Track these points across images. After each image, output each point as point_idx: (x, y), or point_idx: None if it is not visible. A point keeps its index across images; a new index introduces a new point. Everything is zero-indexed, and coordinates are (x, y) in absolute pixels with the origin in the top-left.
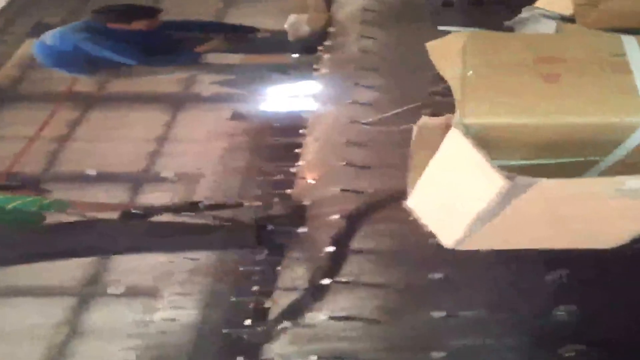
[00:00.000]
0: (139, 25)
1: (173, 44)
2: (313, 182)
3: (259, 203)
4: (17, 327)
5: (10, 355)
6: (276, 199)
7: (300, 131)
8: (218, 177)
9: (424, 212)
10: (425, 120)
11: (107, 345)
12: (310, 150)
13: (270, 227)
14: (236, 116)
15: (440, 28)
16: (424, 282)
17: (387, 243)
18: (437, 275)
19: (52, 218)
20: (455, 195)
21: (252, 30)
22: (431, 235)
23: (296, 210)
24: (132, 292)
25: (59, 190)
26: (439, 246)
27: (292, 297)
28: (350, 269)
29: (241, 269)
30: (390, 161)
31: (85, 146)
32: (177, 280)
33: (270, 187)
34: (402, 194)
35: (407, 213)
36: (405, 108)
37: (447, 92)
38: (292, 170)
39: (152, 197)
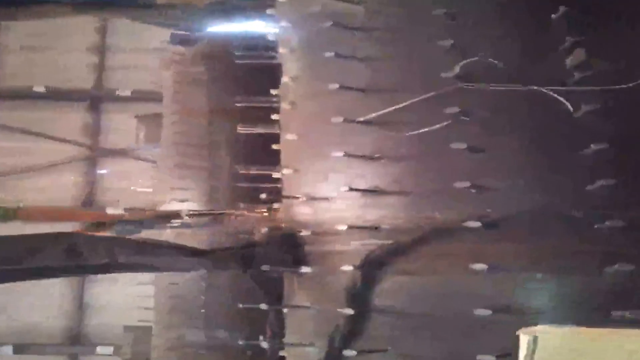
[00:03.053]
0: None
1: None
2: (304, 202)
3: (241, 214)
4: None
5: None
6: (264, 230)
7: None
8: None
9: None
10: (543, 330)
11: None
12: (293, 156)
13: (265, 267)
14: (177, 39)
15: None
16: None
17: (416, 304)
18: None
19: None
20: None
21: None
22: (476, 301)
23: (291, 244)
24: None
25: (6, 111)
26: (490, 319)
27: (309, 354)
28: (375, 332)
29: (241, 306)
30: (407, 183)
31: (20, 58)
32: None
33: (250, 194)
34: (430, 233)
35: (437, 262)
36: (418, 99)
37: (473, 75)
38: (275, 175)
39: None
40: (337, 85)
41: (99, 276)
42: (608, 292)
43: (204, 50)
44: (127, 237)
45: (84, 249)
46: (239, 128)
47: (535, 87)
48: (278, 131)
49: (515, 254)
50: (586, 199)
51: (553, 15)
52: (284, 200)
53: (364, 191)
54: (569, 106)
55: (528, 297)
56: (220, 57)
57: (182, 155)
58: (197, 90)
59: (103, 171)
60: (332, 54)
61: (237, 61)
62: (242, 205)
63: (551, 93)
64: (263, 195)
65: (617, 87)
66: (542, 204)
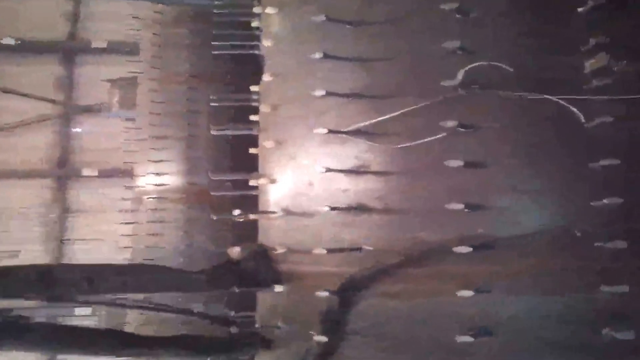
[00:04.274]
0: None
1: None
2: (281, 217)
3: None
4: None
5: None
6: (238, 247)
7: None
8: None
9: None
10: None
11: None
12: (270, 165)
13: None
14: None
15: None
16: None
17: (395, 327)
18: None
19: None
20: None
21: None
22: (460, 326)
23: (265, 262)
24: None
25: None
26: (470, 347)
27: None
28: (350, 354)
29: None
30: (394, 200)
31: None
32: None
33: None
34: (415, 256)
35: (421, 286)
36: (411, 108)
37: (478, 81)
38: (251, 183)
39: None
40: (323, 92)
41: (78, 224)
42: (599, 312)
43: (187, 10)
44: (110, 264)
45: (59, 278)
46: (212, 130)
47: (544, 96)
48: (257, 133)
49: (506, 276)
50: (590, 216)
51: (580, 9)
52: (260, 214)
53: (347, 209)
54: (581, 117)
55: (514, 319)
56: (204, 19)
57: (159, 126)
58: (177, 55)
59: (78, 129)
60: (321, 54)
61: (214, 52)
62: (214, 217)
63: (562, 102)
64: (237, 211)
65: (635, 97)
66: (541, 222)
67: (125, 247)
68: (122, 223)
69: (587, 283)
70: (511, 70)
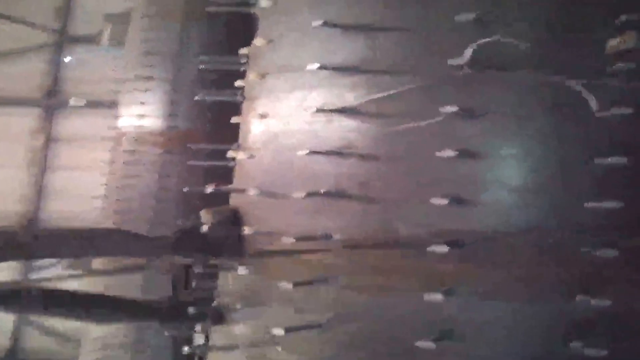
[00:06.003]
0: None
1: None
2: (254, 196)
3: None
4: None
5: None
6: (206, 211)
7: None
8: None
9: None
10: None
11: None
12: (251, 139)
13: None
14: None
15: None
16: None
17: (355, 323)
18: None
19: None
20: None
21: None
22: (420, 332)
23: (235, 231)
24: None
25: None
26: (430, 352)
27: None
28: (304, 347)
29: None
30: (376, 188)
31: None
32: None
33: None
34: (388, 249)
35: (388, 281)
36: (409, 87)
37: (486, 59)
38: (229, 155)
39: None
40: (317, 65)
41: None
42: (572, 323)
43: None
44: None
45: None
46: (197, 97)
47: (557, 79)
48: (241, 99)
49: (480, 279)
50: (582, 219)
51: None
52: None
53: (324, 194)
54: (594, 104)
55: (482, 326)
56: None
57: (145, 66)
58: None
59: (68, 58)
60: (320, 22)
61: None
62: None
63: (574, 86)
64: (210, 188)
65: None
66: (528, 223)
67: (101, 184)
68: (100, 162)
69: (565, 291)
70: (527, 46)
